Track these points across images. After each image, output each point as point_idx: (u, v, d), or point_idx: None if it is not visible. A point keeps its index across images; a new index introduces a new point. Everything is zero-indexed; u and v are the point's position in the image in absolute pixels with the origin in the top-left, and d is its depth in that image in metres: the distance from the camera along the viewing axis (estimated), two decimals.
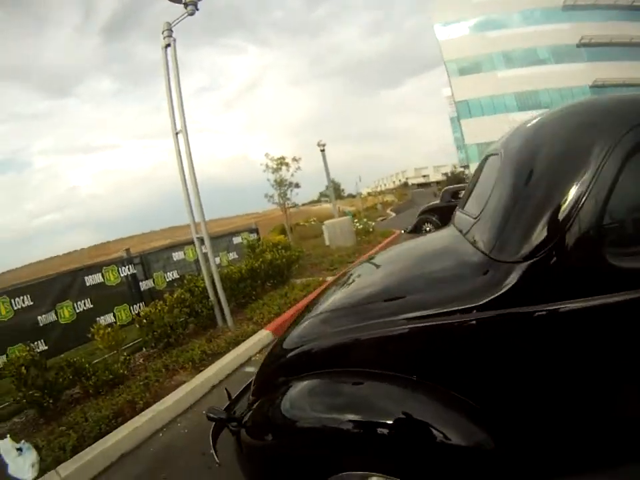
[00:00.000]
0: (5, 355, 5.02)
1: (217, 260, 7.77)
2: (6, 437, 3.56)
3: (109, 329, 5.40)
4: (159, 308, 5.86)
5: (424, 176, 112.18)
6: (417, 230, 14.90)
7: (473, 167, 48.51)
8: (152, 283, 7.22)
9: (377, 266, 2.78)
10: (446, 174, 48.83)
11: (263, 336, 6.13)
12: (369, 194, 74.97)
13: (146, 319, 5.69)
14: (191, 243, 7.68)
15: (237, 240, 9.95)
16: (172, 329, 5.81)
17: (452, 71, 52.76)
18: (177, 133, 6.36)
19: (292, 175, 19.34)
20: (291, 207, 21.65)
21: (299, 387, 1.95)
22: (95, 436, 3.74)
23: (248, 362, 5.49)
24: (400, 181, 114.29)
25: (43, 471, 3.39)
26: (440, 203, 15.37)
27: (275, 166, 19.32)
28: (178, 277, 7.54)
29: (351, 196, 59.59)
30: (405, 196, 67.01)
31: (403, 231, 15.78)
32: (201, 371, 5.05)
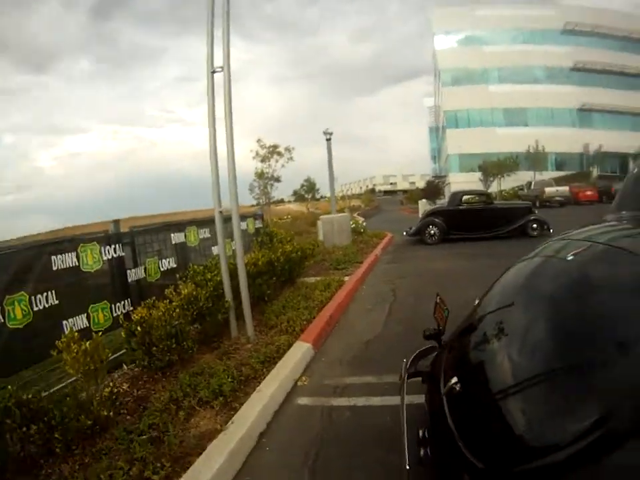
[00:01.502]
0: None
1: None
2: None
3: (86, 343, 3.19)
4: (163, 310, 3.96)
5: (391, 184, 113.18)
6: (419, 233, 13.99)
7: (453, 177, 49.56)
8: (142, 272, 4.97)
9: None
10: (432, 181, 48.98)
11: (304, 351, 4.48)
12: (340, 197, 74.56)
13: (142, 326, 3.73)
14: (189, 223, 6.08)
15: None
16: (177, 342, 3.91)
17: (445, 80, 53.98)
18: (212, 72, 4.77)
19: (282, 166, 17.94)
20: (255, 205, 20.27)
21: None
22: None
23: (295, 389, 3.87)
24: (367, 186, 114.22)
25: None
26: (447, 206, 14.72)
27: (266, 154, 17.67)
28: (175, 266, 5.55)
29: (316, 199, 58.41)
30: (372, 202, 66.92)
31: (404, 233, 14.58)
32: (235, 408, 3.26)
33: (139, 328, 3.69)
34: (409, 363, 2.69)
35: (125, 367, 4.12)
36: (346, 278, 8.07)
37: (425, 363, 2.74)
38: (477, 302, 2.63)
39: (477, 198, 15.13)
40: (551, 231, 13.44)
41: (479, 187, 32.97)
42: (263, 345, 4.55)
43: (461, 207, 14.20)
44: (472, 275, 8.43)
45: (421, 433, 2.03)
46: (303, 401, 3.63)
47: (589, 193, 29.83)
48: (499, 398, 1.75)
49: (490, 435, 1.70)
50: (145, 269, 4.99)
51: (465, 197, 14.66)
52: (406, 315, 5.98)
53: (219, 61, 4.70)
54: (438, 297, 2.81)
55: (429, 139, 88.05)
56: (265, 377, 3.76)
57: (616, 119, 51.31)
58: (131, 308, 4.42)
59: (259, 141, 18.35)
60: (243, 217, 7.90)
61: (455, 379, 1.91)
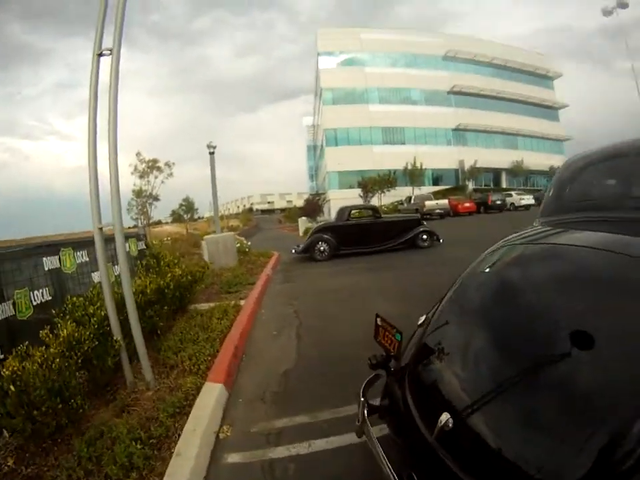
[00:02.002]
0: None
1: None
2: None
3: None
4: (39, 359, 2.97)
5: (269, 202, 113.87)
6: (308, 250, 13.74)
7: (332, 194, 50.99)
8: (10, 308, 3.79)
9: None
10: (311, 198, 49.84)
11: (216, 393, 3.81)
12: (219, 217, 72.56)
13: (15, 384, 2.77)
14: (63, 244, 5.12)
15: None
16: (63, 399, 2.99)
17: (326, 99, 56.14)
18: (99, 54, 4.09)
19: (162, 183, 16.83)
20: (132, 227, 19.05)
21: None
22: None
23: (220, 444, 3.20)
24: (245, 205, 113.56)
25: None
26: (336, 222, 14.57)
27: (145, 169, 16.44)
28: (50, 298, 4.44)
29: (194, 220, 56.91)
30: (250, 221, 66.81)
31: (293, 251, 14.30)
32: None
33: (11, 387, 2.76)
34: (363, 397, 2.36)
35: (5, 433, 3.09)
36: (242, 302, 7.45)
37: (373, 394, 2.43)
38: (424, 319, 2.61)
39: (365, 212, 15.24)
40: (441, 241, 14.16)
41: (359, 202, 33.91)
42: (167, 390, 3.85)
43: (349, 222, 14.16)
44: (374, 289, 8.41)
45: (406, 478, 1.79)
46: (233, 458, 3.00)
47: (467, 204, 32.79)
48: (507, 430, 1.62)
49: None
50: (14, 302, 3.90)
51: (353, 212, 14.65)
52: (317, 338, 5.59)
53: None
54: (378, 319, 2.51)
55: (307, 157, 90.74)
56: (179, 435, 3.06)
57: (488, 138, 59.58)
58: (1, 356, 3.45)
59: (138, 154, 17.23)
60: (125, 238, 6.99)
61: (445, 416, 1.70)
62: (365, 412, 2.27)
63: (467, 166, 54.01)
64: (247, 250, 15.76)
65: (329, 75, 55.67)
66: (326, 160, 56.32)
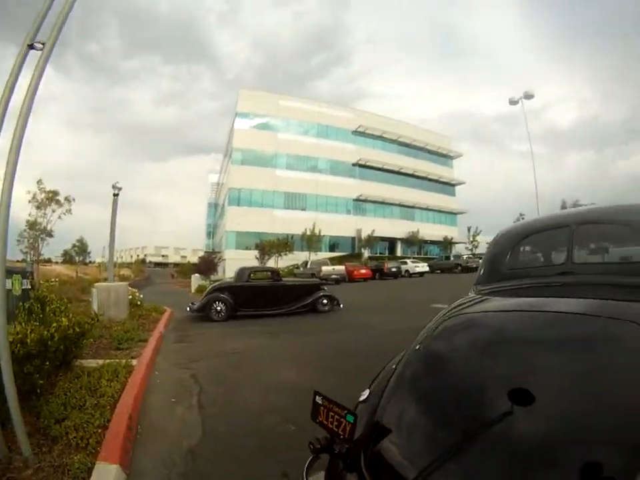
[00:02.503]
0: None
1: None
2: None
3: None
4: None
5: (163, 255, 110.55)
6: (204, 309, 13.06)
7: (228, 253, 50.72)
8: None
9: None
10: (206, 256, 48.95)
11: (111, 478, 3.15)
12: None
13: None
14: None
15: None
16: None
17: (235, 159, 56.85)
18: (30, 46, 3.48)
19: (59, 218, 15.55)
20: (20, 261, 17.46)
21: None
22: None
23: None
24: (138, 256, 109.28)
25: None
26: (235, 282, 14.11)
27: (44, 199, 15.14)
28: None
29: (86, 263, 53.54)
30: (142, 272, 64.35)
31: (188, 309, 13.54)
32: None
33: None
34: None
35: None
36: (134, 361, 6.63)
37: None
38: (367, 394, 2.55)
39: (265, 274, 14.98)
40: (341, 306, 14.22)
41: (255, 264, 33.71)
42: (50, 470, 3.11)
43: (249, 283, 13.76)
44: (278, 354, 8.10)
45: None
46: None
47: (363, 271, 33.81)
48: None
49: None
50: None
51: (253, 273, 14.33)
52: (222, 407, 5.09)
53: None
54: (318, 397, 2.25)
55: (207, 214, 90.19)
56: None
57: (387, 209, 63.72)
58: None
59: (39, 182, 15.88)
60: (9, 272, 6.06)
61: None
62: None
63: (364, 234, 55.99)
64: (139, 303, 14.68)
65: (242, 135, 56.45)
66: (226, 219, 56.24)
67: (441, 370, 2.31)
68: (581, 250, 3.13)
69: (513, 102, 35.46)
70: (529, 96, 34.99)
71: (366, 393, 2.57)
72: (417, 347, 2.53)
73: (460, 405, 1.96)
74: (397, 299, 18.82)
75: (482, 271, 3.64)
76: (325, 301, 14.07)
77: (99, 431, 3.84)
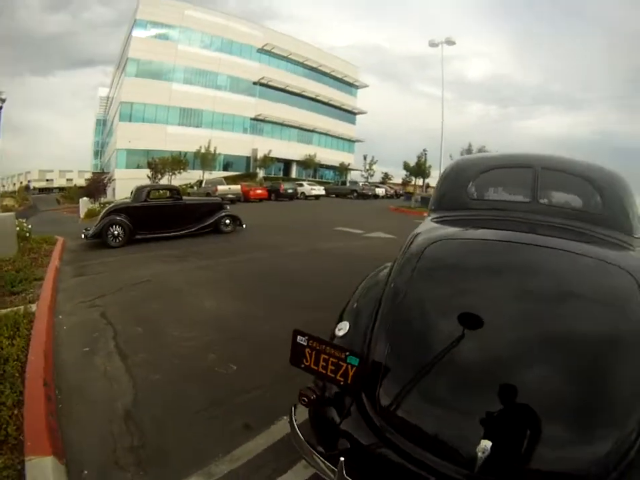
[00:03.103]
0: None
1: None
2: None
3: None
4: None
5: (48, 180, 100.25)
6: (100, 235, 11.68)
7: (119, 173, 47.94)
8: None
9: None
10: (95, 177, 45.41)
11: (50, 472, 2.52)
12: None
13: None
14: None
15: None
16: None
17: (130, 71, 50.99)
18: None
19: None
20: None
21: None
22: None
23: None
24: (21, 183, 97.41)
25: None
26: (132, 203, 12.61)
27: None
28: None
29: None
30: (27, 201, 58.54)
31: (83, 236, 11.98)
32: None
33: None
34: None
35: None
36: (33, 307, 5.67)
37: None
38: (348, 328, 2.37)
39: (164, 193, 13.88)
40: (244, 226, 13.80)
41: (147, 183, 31.81)
42: None
43: (148, 203, 12.51)
44: (192, 281, 7.68)
45: None
46: None
47: (259, 191, 33.37)
48: None
49: None
50: None
51: (152, 192, 13.16)
52: (148, 352, 4.53)
53: None
54: (301, 337, 2.03)
55: (95, 132, 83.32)
56: None
57: (285, 131, 62.84)
58: None
59: None
60: None
61: (486, 444, 1.57)
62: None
63: (260, 154, 54.87)
64: (28, 235, 12.65)
65: (140, 45, 50.41)
66: (116, 136, 51.47)
67: (452, 301, 2.21)
68: (544, 192, 3.41)
69: (433, 44, 35.12)
70: (450, 42, 34.81)
71: (345, 327, 2.37)
72: (410, 275, 2.37)
73: (478, 336, 1.95)
74: (298, 221, 18.93)
75: (438, 198, 3.79)
76: (227, 221, 13.60)
77: (15, 412, 3.10)
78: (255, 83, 58.99)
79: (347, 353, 1.89)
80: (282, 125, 61.76)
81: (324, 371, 1.93)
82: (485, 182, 3.75)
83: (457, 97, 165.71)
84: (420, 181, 47.01)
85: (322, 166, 63.12)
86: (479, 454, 1.56)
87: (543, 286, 2.16)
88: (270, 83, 59.62)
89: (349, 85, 72.93)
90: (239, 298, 6.55)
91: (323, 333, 4.13)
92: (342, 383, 1.90)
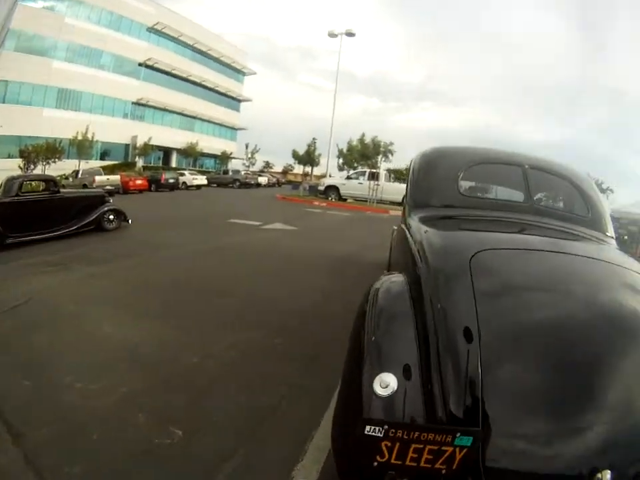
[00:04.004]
0: None
1: None
2: None
3: None
4: None
5: None
6: None
7: None
8: None
9: None
10: None
11: None
12: None
13: None
14: None
15: None
16: None
17: (9, 43, 43.50)
18: None
19: None
20: None
21: None
22: None
23: None
24: None
25: None
26: (1, 198, 9.74)
27: None
28: None
29: None
30: None
31: None
32: None
33: None
34: None
35: None
36: None
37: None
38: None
39: (39, 185, 11.58)
40: (130, 221, 12.35)
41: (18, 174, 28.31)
42: None
43: (20, 199, 9.84)
44: (87, 297, 6.05)
45: None
46: None
47: (139, 182, 31.22)
48: None
49: None
50: None
51: (25, 185, 10.54)
52: (49, 427, 2.99)
53: None
54: (375, 427, 1.45)
55: None
56: None
57: (166, 116, 59.53)
58: None
59: None
60: None
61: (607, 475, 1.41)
62: None
63: (139, 142, 51.75)
64: None
65: (24, 15, 43.92)
66: None
67: (542, 328, 1.88)
68: (535, 193, 3.42)
69: (333, 35, 35.92)
70: (350, 34, 35.53)
71: (391, 382, 1.73)
72: (470, 296, 1.96)
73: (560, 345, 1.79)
74: (186, 214, 17.97)
75: (423, 192, 3.55)
76: (111, 217, 11.82)
77: None
78: (140, 65, 55.02)
79: (458, 434, 1.43)
80: (164, 110, 58.75)
81: (414, 464, 1.45)
82: (473, 177, 3.67)
83: (341, 88, 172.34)
84: (309, 170, 47.45)
85: (203, 154, 61.24)
86: None
87: (592, 295, 2.05)
88: (156, 65, 56.09)
89: (237, 72, 71.42)
90: (151, 317, 5.22)
91: (283, 360, 3.84)
92: (444, 472, 1.46)
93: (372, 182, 26.70)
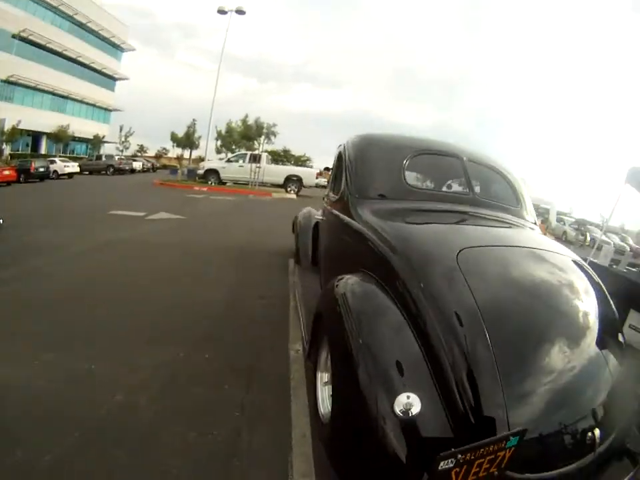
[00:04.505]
0: None
1: None
2: None
3: None
4: None
5: None
6: None
7: None
8: None
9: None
10: None
11: None
12: None
13: None
14: None
15: None
16: None
17: None
18: None
19: None
20: None
21: None
22: None
23: None
24: None
25: None
26: None
27: None
28: None
29: None
30: None
31: None
32: None
33: None
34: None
35: None
36: None
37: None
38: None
39: None
40: (1, 221, 9.10)
41: None
42: None
43: None
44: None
45: None
46: None
47: (7, 172, 27.04)
48: None
49: None
50: None
51: None
52: None
53: None
54: (447, 460, 1.42)
55: None
56: None
57: (37, 96, 50.51)
58: None
59: None
60: None
61: None
62: None
63: (7, 126, 43.36)
64: None
65: None
66: None
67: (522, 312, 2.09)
68: (475, 184, 3.59)
69: (222, 11, 34.77)
70: (240, 11, 34.66)
71: (414, 402, 1.69)
72: (468, 297, 1.99)
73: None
74: (62, 207, 15.16)
75: (367, 183, 3.44)
76: None
77: None
78: (14, 36, 45.16)
79: (510, 438, 1.50)
80: (35, 89, 49.91)
81: (474, 478, 1.50)
82: (416, 167, 3.66)
83: (220, 68, 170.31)
84: (186, 153, 46.12)
85: (75, 139, 53.98)
86: None
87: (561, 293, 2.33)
88: (31, 37, 46.81)
89: (115, 47, 63.39)
90: (53, 348, 3.72)
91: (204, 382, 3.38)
92: (496, 474, 1.55)
93: (253, 165, 26.76)
